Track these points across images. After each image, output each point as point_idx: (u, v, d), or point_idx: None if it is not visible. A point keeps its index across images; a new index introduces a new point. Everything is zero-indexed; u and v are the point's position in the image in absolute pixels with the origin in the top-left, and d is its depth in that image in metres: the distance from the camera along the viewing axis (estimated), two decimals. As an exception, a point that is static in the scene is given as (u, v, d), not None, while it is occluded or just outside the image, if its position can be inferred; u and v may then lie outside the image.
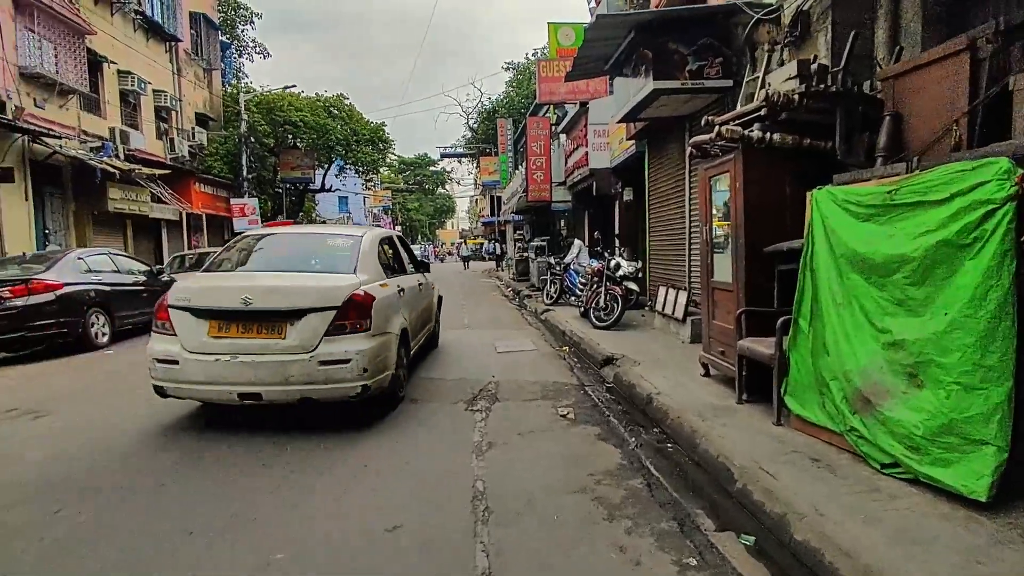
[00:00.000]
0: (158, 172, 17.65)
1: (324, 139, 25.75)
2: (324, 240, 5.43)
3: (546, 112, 16.13)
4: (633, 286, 9.26)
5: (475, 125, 35.49)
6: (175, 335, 4.12)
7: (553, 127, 15.48)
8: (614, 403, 5.17)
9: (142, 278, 10.07)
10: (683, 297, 7.27)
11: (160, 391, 4.20)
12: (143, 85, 19.03)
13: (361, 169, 29.21)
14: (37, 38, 14.48)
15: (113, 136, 16.85)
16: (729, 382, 4.94)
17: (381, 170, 63.44)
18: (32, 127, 13.51)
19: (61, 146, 14.24)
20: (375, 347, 4.26)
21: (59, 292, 7.69)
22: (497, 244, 30.07)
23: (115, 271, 9.27)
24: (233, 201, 22.26)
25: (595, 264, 9.24)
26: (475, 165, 38.18)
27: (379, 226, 52.36)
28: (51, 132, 14.07)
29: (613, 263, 8.81)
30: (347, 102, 27.77)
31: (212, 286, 4.37)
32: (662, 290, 8.09)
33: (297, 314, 4.02)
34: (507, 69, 33.99)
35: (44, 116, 14.53)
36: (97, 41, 16.79)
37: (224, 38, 27.10)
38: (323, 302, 4.07)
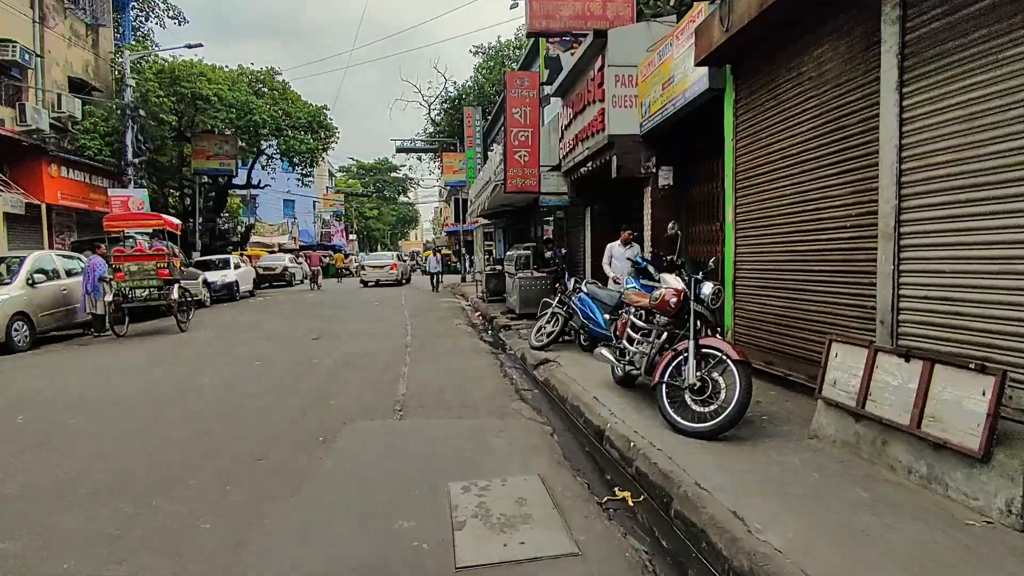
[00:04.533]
0: (-32, 141, 12.20)
1: (246, 119, 20.52)
2: (387, 255, 29.21)
3: (535, 66, 11.63)
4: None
5: (438, 116, 30.77)
6: (365, 269, 25.41)
7: (543, 86, 10.93)
8: None
9: None
10: (975, 389, 2.66)
11: (363, 282, 24.50)
12: (-32, 24, 13.59)
13: (297, 161, 23.98)
14: None
15: None
16: None
17: (336, 174, 58.09)
18: None
19: None
20: (401, 270, 25.78)
21: None
22: (442, 258, 26.14)
23: None
24: (111, 192, 16.76)
25: (666, 286, 4.52)
26: (437, 163, 33.36)
27: (329, 233, 46.90)
28: None
29: (709, 288, 4.13)
30: (279, 79, 22.66)
31: (372, 261, 26.41)
32: (845, 352, 3.48)
33: (386, 266, 25.26)
34: (475, 53, 29.52)
35: None
36: None
37: (121, -9, 21.66)
38: (389, 263, 25.47)
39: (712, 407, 3.80)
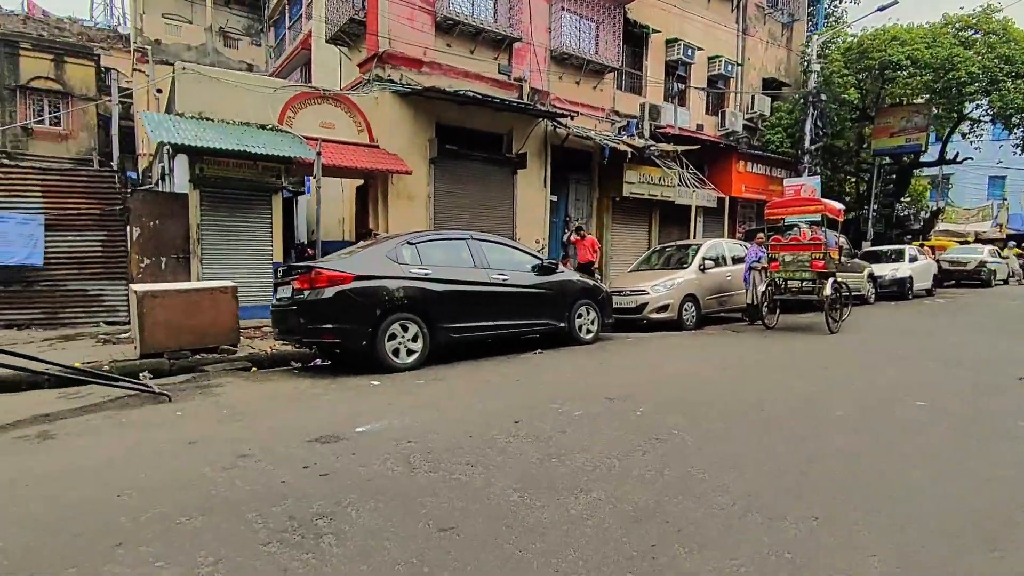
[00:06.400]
0: (679, 149, 14.89)
1: (946, 79, 16.72)
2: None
3: None
4: None
5: None
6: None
7: None
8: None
9: (524, 274, 7.29)
10: None
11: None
12: (691, 52, 16.64)
13: (1016, 122, 17.88)
14: (573, 17, 14.06)
15: (642, 113, 15.17)
16: None
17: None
18: (555, 110, 13.07)
19: (568, 127, 13.39)
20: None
21: (341, 287, 5.71)
22: None
23: (469, 266, 6.79)
24: (787, 182, 17.20)
25: None
26: None
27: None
28: (567, 112, 13.38)
29: None
30: (996, 17, 17.29)
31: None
32: None
33: None
34: None
35: (572, 98, 14.08)
36: (642, 10, 15.35)
37: (818, -20, 21.72)
38: None
39: None
